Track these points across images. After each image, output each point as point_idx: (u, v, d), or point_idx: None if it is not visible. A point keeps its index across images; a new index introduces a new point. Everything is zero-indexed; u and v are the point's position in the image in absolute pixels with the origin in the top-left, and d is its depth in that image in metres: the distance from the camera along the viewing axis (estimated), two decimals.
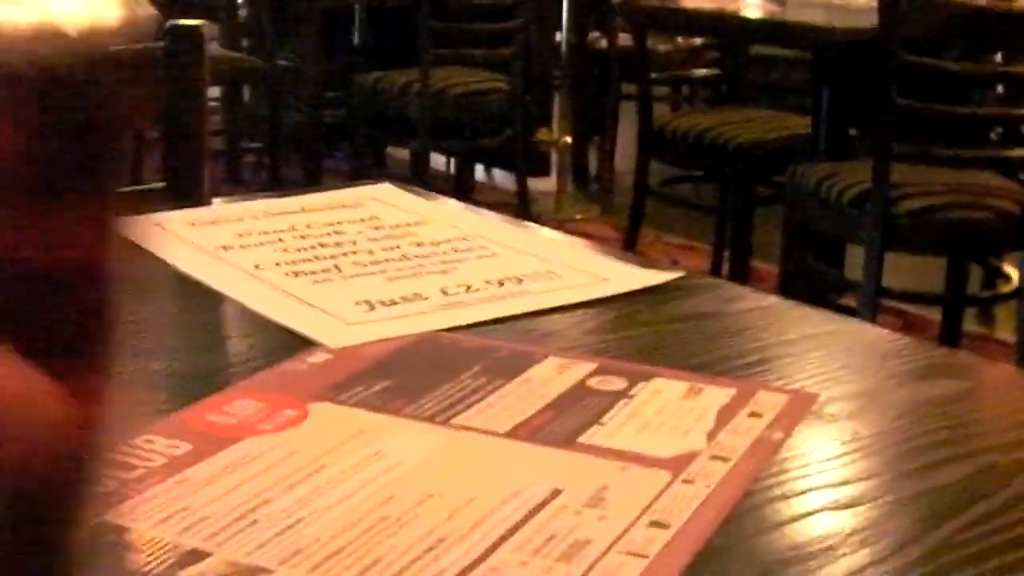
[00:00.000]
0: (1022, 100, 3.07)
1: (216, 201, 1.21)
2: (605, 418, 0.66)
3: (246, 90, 5.48)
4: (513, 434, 0.64)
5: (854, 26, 3.02)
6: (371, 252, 0.97)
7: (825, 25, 3.16)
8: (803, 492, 0.62)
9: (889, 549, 0.56)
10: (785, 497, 0.61)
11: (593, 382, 0.71)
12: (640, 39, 3.65)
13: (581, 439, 0.64)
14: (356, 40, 5.43)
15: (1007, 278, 3.27)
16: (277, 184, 5.16)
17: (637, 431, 0.65)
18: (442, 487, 0.58)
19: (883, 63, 2.66)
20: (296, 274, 0.91)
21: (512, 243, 1.00)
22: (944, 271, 3.33)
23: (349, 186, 1.19)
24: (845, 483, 0.63)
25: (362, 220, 1.06)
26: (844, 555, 0.55)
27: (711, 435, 0.65)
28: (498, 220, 1.09)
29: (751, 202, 3.62)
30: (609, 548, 0.53)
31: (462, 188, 5.08)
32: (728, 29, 3.55)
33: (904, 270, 3.08)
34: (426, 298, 0.86)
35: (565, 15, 4.88)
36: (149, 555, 0.52)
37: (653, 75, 3.76)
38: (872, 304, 2.84)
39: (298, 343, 0.78)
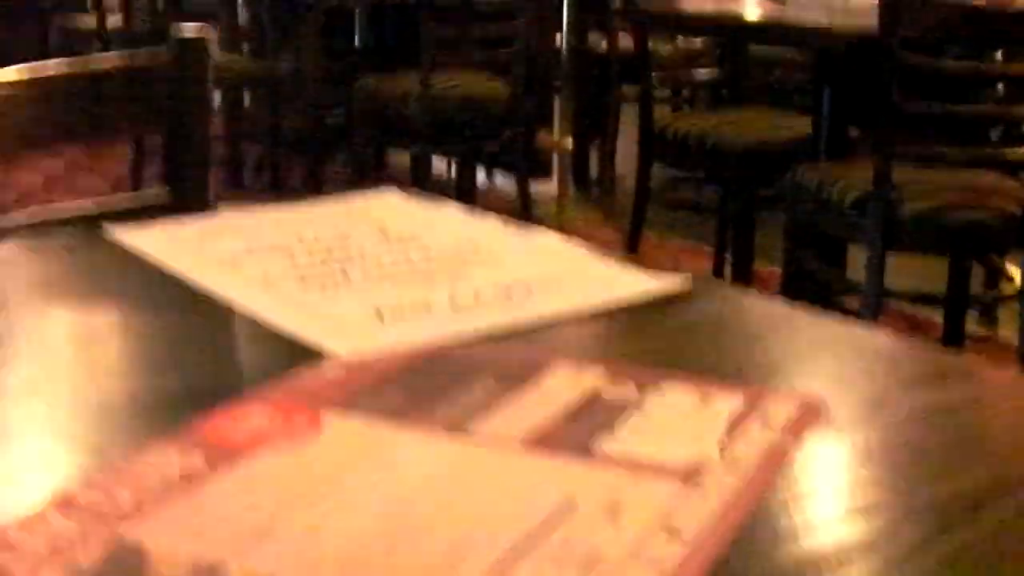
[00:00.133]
0: (1022, 99, 3.07)
1: (221, 208, 1.21)
2: (617, 426, 0.67)
3: (246, 94, 5.49)
4: (526, 444, 0.65)
5: (855, 26, 3.02)
6: (379, 260, 0.97)
7: (826, 25, 3.17)
8: (815, 500, 0.62)
9: (902, 556, 0.57)
10: (797, 505, 0.61)
11: (604, 390, 0.72)
12: (641, 41, 3.66)
13: (594, 448, 0.64)
14: (356, 43, 5.43)
15: (1009, 278, 3.27)
16: (278, 187, 5.17)
17: (649, 440, 0.66)
18: (458, 498, 0.58)
19: (884, 63, 2.66)
20: (305, 284, 0.91)
21: (519, 250, 1.01)
22: (946, 271, 3.34)
23: (353, 191, 1.19)
24: (856, 490, 0.64)
25: (369, 229, 1.06)
26: (858, 563, 0.56)
27: (723, 443, 0.65)
28: (504, 227, 1.10)
29: (752, 204, 3.62)
30: (626, 558, 0.53)
31: (463, 191, 5.08)
32: (730, 30, 3.56)
33: (906, 270, 3.08)
34: (435, 307, 0.87)
35: (565, 17, 4.88)
36: (167, 569, 0.53)
37: (654, 76, 3.76)
38: (875, 305, 2.84)
39: (309, 353, 0.79)
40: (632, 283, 0.92)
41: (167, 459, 0.63)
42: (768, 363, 0.80)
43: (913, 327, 3.68)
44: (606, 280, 0.93)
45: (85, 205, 1.33)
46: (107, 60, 1.28)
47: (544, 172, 5.10)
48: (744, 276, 3.68)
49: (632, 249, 3.88)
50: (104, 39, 5.68)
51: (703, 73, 4.31)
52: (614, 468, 0.62)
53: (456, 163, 5.21)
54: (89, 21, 5.71)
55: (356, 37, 5.43)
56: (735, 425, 0.68)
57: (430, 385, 0.73)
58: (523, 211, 4.69)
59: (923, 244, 2.86)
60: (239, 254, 0.99)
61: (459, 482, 0.61)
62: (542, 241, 1.05)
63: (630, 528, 0.56)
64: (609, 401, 0.70)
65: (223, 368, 0.78)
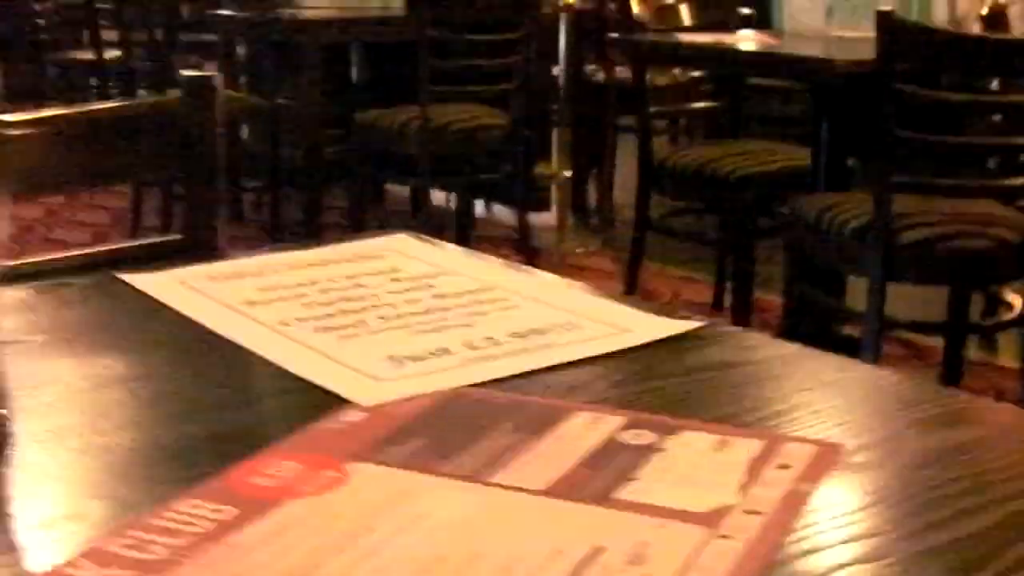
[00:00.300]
0: (1020, 128, 3.09)
1: (229, 251, 1.23)
2: (639, 473, 0.68)
3: (244, 128, 5.51)
4: (551, 491, 0.66)
5: (853, 58, 3.04)
6: (394, 306, 0.98)
7: (824, 57, 3.19)
8: (835, 544, 0.63)
9: None
10: (818, 549, 0.62)
11: (624, 436, 0.73)
12: (639, 74, 3.68)
13: (617, 495, 0.65)
14: (354, 78, 5.46)
15: (1008, 305, 3.28)
16: (277, 221, 5.19)
17: (671, 486, 0.67)
18: (487, 547, 0.59)
19: (882, 94, 2.68)
20: (323, 330, 0.93)
21: (532, 294, 1.02)
22: (945, 298, 3.35)
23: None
24: (875, 534, 0.65)
25: (382, 272, 1.08)
26: None
27: (743, 488, 0.66)
28: (516, 270, 1.11)
29: (752, 234, 3.64)
30: None
31: (462, 223, 5.10)
32: (729, 63, 3.58)
33: (905, 298, 3.09)
34: (452, 352, 0.88)
35: (562, 48, 4.91)
36: None
37: (652, 109, 3.79)
38: (876, 335, 2.85)
39: (330, 400, 0.80)
40: (646, 326, 0.94)
41: (198, 509, 0.64)
42: (782, 405, 0.81)
43: (913, 354, 3.70)
44: (621, 323, 0.94)
45: (97, 250, 1.34)
46: (117, 105, 1.30)
47: (543, 203, 5.12)
48: (744, 306, 3.69)
49: (632, 279, 3.89)
50: (102, 74, 5.71)
51: (700, 104, 4.33)
52: (638, 515, 0.63)
53: (455, 195, 5.22)
54: (85, 56, 5.73)
55: (353, 71, 5.45)
56: (755, 470, 0.69)
57: (451, 433, 0.74)
58: (523, 242, 4.71)
59: (923, 274, 2.87)
60: (253, 299, 1.00)
61: (486, 530, 0.62)
62: (554, 285, 1.06)
63: (658, 575, 0.57)
64: (629, 447, 0.71)
65: (245, 416, 0.79)
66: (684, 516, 0.63)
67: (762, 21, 4.03)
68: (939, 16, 3.42)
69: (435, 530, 0.61)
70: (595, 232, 5.23)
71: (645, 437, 0.73)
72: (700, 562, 0.59)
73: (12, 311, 0.98)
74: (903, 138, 2.71)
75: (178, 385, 0.85)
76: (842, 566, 0.61)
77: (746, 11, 4.12)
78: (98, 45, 5.55)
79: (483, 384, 0.82)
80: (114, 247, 1.35)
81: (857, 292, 3.21)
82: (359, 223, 4.88)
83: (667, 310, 0.98)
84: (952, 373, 3.28)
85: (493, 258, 1.16)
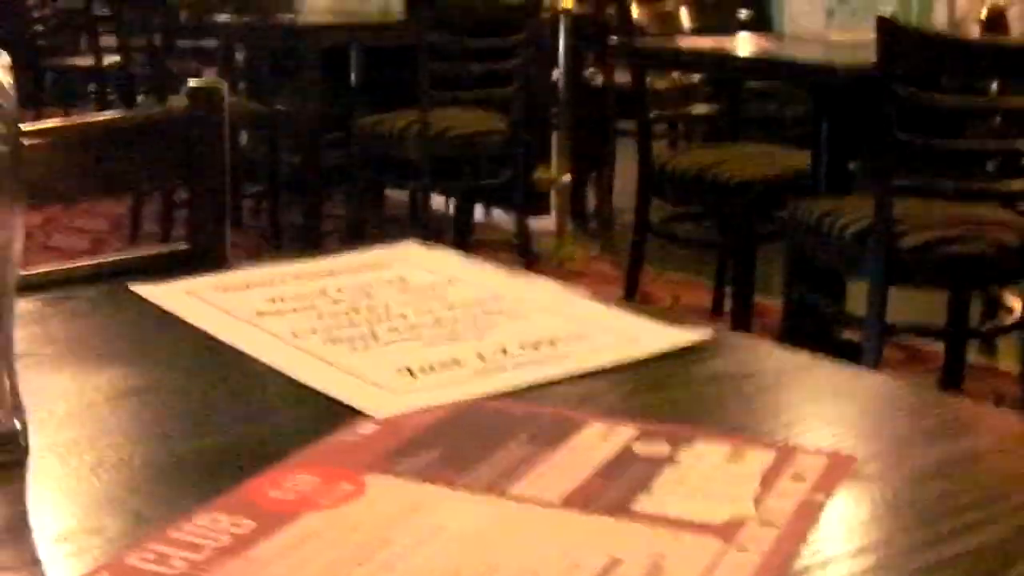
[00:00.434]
0: (1020, 132, 3.10)
1: (236, 260, 1.23)
2: (653, 484, 0.68)
3: (244, 133, 5.51)
4: (567, 503, 0.66)
5: (853, 61, 3.05)
6: (404, 316, 0.99)
7: (825, 61, 3.20)
8: (848, 555, 0.64)
9: None
10: (832, 561, 0.63)
11: (637, 447, 0.73)
12: (639, 78, 3.68)
13: (633, 507, 0.66)
14: (353, 82, 5.46)
15: (1008, 309, 3.29)
16: (276, 226, 5.19)
17: (686, 497, 0.67)
18: (505, 560, 0.60)
19: (883, 98, 2.69)
20: (333, 341, 0.93)
21: (540, 303, 1.03)
22: (944, 303, 3.36)
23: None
24: (887, 545, 0.65)
25: (391, 283, 1.08)
26: None
27: (757, 500, 0.67)
28: (523, 279, 1.11)
29: (752, 238, 3.64)
30: None
31: (461, 227, 5.10)
32: (731, 67, 3.59)
33: (905, 302, 3.10)
34: (464, 364, 0.88)
35: (561, 53, 4.91)
36: None
37: (652, 113, 3.79)
38: (877, 339, 2.86)
39: (343, 412, 0.80)
40: (655, 336, 0.94)
41: (216, 523, 0.64)
42: (793, 415, 0.82)
43: (913, 358, 3.70)
44: (630, 333, 0.95)
45: (103, 260, 1.35)
46: (125, 114, 1.30)
47: (542, 208, 5.12)
48: (744, 310, 3.69)
49: (632, 284, 3.90)
50: (100, 80, 5.72)
51: (700, 108, 4.33)
52: (654, 526, 0.64)
53: (455, 200, 5.23)
54: (84, 62, 5.74)
55: (352, 76, 5.46)
56: (768, 481, 0.69)
57: (465, 444, 0.74)
58: (522, 247, 4.71)
59: (923, 277, 2.88)
60: (263, 310, 1.00)
61: (503, 542, 0.62)
62: (562, 294, 1.07)
63: None
64: (642, 458, 0.72)
65: (259, 428, 0.79)
66: (700, 528, 0.63)
67: (762, 24, 4.04)
68: (939, 19, 3.42)
69: (452, 542, 0.62)
70: (594, 236, 5.24)
71: (658, 448, 0.73)
72: (716, 573, 0.59)
73: (22, 323, 0.98)
74: (903, 141, 2.72)
75: (191, 397, 0.85)
76: (854, 574, 0.61)
77: (745, 14, 4.13)
78: (97, 51, 5.56)
79: (495, 395, 0.83)
80: (121, 257, 1.36)
81: (857, 296, 3.22)
82: (359, 228, 4.89)
83: (674, 318, 0.99)
84: (952, 377, 3.29)
85: (500, 267, 1.16)
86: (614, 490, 0.68)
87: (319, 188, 4.99)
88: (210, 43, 5.40)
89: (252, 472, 0.71)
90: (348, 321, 0.98)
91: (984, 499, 0.69)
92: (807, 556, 0.63)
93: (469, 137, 4.54)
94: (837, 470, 0.71)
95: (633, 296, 3.84)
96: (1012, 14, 3.56)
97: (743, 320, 3.63)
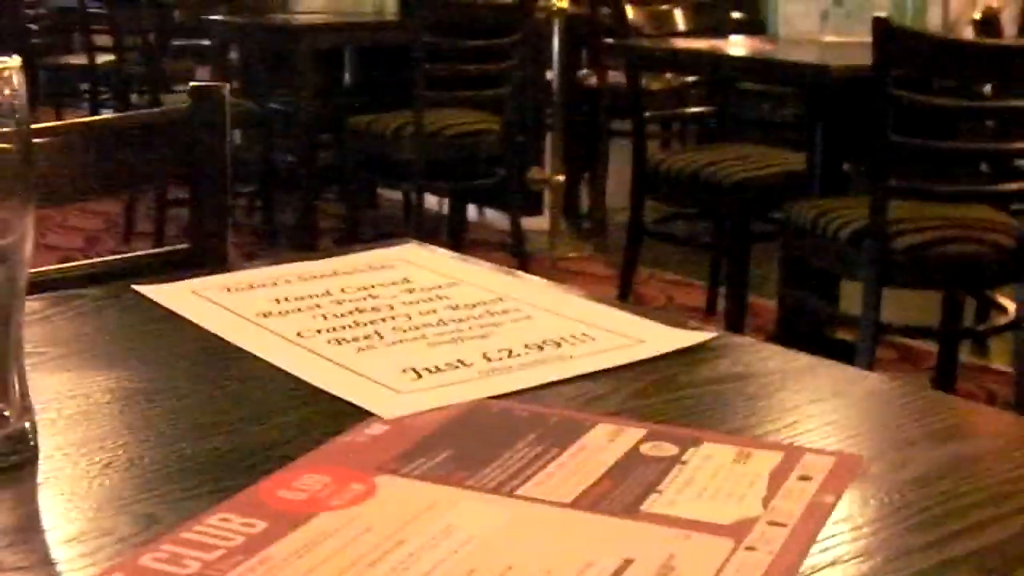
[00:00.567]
0: (1014, 133, 3.11)
1: (236, 261, 1.23)
2: (662, 485, 0.69)
3: (237, 132, 5.51)
4: (577, 504, 0.67)
5: (848, 63, 3.06)
6: (409, 317, 0.99)
7: (820, 63, 3.21)
8: (856, 555, 0.64)
9: None
10: (840, 561, 0.63)
11: (645, 448, 0.74)
12: (634, 79, 3.69)
13: (643, 507, 0.66)
14: (347, 82, 5.47)
15: (1001, 309, 3.30)
16: (270, 225, 5.19)
17: (694, 498, 0.68)
18: (518, 560, 0.60)
19: (878, 100, 2.69)
20: (339, 341, 0.93)
21: (544, 305, 1.03)
22: (936, 303, 3.37)
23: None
24: (895, 545, 0.65)
25: (394, 283, 1.08)
26: None
27: (766, 500, 0.67)
28: (525, 280, 1.12)
29: (747, 239, 3.65)
30: None
31: (455, 228, 5.11)
32: (727, 69, 3.59)
33: (898, 303, 3.11)
34: (469, 364, 0.89)
35: (555, 53, 4.92)
36: None
37: (647, 114, 3.79)
38: (871, 339, 2.87)
39: (351, 412, 0.81)
40: (659, 337, 0.95)
41: (228, 523, 0.64)
42: (797, 416, 0.82)
43: (905, 357, 3.71)
44: (635, 334, 0.95)
45: (104, 260, 1.35)
46: (126, 114, 1.30)
47: (535, 207, 5.13)
48: (738, 310, 3.70)
49: (626, 284, 3.90)
50: (94, 79, 5.71)
51: (695, 108, 4.34)
52: (664, 527, 0.64)
53: (448, 200, 5.23)
54: (78, 60, 5.73)
55: (346, 76, 5.46)
56: (776, 482, 0.70)
57: (474, 445, 0.75)
58: (516, 247, 4.72)
59: (918, 279, 2.89)
60: (268, 310, 1.01)
61: (516, 542, 0.63)
62: (563, 295, 1.07)
63: None
64: (651, 459, 0.72)
65: (268, 428, 0.80)
66: (710, 528, 0.64)
67: (756, 26, 4.05)
68: (933, 21, 3.43)
69: (465, 543, 0.62)
70: (587, 237, 5.24)
71: (666, 449, 0.74)
72: (728, 574, 0.59)
73: (27, 322, 0.98)
74: (898, 143, 2.73)
75: (199, 398, 0.85)
76: (862, 574, 0.62)
77: (740, 16, 4.14)
78: (90, 49, 5.55)
79: (502, 396, 0.83)
80: (122, 257, 1.36)
81: (851, 296, 3.23)
82: (353, 228, 4.89)
83: (675, 320, 0.99)
84: (945, 377, 3.30)
85: (502, 268, 1.17)
86: (624, 491, 0.68)
87: (313, 188, 4.98)
88: (204, 42, 5.40)
89: (262, 472, 0.71)
90: (353, 321, 0.98)
91: (990, 500, 0.70)
92: (815, 556, 0.63)
93: (463, 137, 4.54)
94: (844, 471, 0.72)
95: (627, 296, 3.85)
96: (1005, 16, 3.58)
97: (737, 320, 3.64)
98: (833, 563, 0.63)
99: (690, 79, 4.18)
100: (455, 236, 4.99)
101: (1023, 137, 3.03)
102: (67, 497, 0.70)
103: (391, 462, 0.72)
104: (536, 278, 1.14)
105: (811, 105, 3.50)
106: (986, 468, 0.75)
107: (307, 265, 1.14)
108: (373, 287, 1.07)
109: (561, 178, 4.97)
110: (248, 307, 1.02)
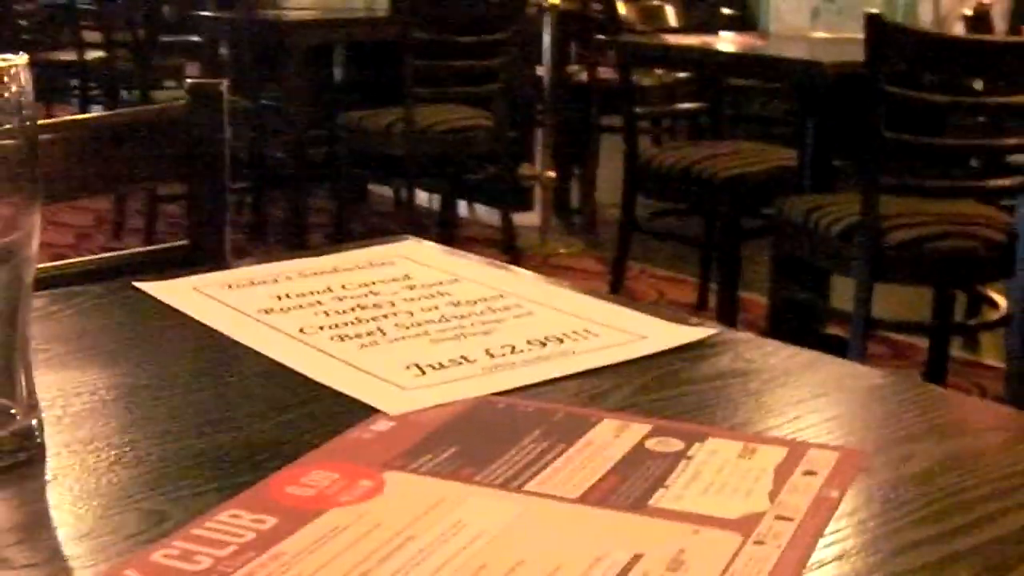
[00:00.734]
0: (1004, 129, 3.12)
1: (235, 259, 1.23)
2: (669, 480, 0.69)
3: (228, 128, 5.49)
4: (585, 499, 0.67)
5: (840, 60, 3.06)
6: (411, 313, 1.00)
7: (811, 59, 3.21)
8: (863, 549, 0.64)
9: None
10: (848, 554, 0.64)
11: (651, 444, 0.74)
12: (626, 75, 3.69)
13: (650, 502, 0.67)
14: (338, 78, 5.46)
15: (992, 304, 3.31)
16: (261, 222, 5.19)
17: (701, 493, 0.68)
18: (528, 555, 0.61)
19: (870, 96, 2.70)
20: (342, 338, 0.94)
21: (545, 301, 1.03)
22: (926, 298, 3.38)
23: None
24: (900, 539, 0.66)
25: (395, 280, 1.09)
26: None
27: (772, 495, 0.68)
28: (527, 277, 1.12)
29: (738, 235, 3.66)
30: None
31: (445, 224, 5.11)
32: (720, 65, 3.60)
33: (889, 298, 3.12)
34: (473, 361, 0.89)
35: (546, 49, 4.92)
36: None
37: (638, 110, 3.80)
38: (863, 334, 2.88)
39: (355, 408, 0.81)
40: (661, 333, 0.95)
41: (238, 519, 0.65)
42: (800, 410, 0.83)
43: (896, 353, 3.73)
44: (637, 330, 0.95)
45: (104, 256, 1.35)
46: (124, 111, 1.30)
47: (525, 203, 5.13)
48: (729, 306, 3.71)
49: (617, 280, 3.91)
50: (83, 75, 5.70)
51: (686, 104, 4.35)
52: (673, 521, 0.64)
53: (439, 195, 5.24)
54: (67, 56, 5.71)
55: (337, 72, 5.46)
56: (781, 476, 0.70)
57: (480, 441, 0.75)
58: (506, 243, 4.72)
59: (910, 274, 2.90)
60: (270, 307, 1.01)
61: (526, 538, 0.63)
62: (564, 291, 1.08)
63: None
64: (657, 455, 0.73)
65: (273, 425, 0.80)
66: (718, 522, 0.64)
67: (747, 22, 4.06)
68: (924, 17, 3.44)
69: (475, 538, 0.62)
70: (578, 232, 5.25)
71: (672, 444, 0.74)
72: (737, 568, 0.60)
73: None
74: (890, 139, 2.74)
75: (204, 394, 0.86)
76: (872, 571, 0.62)
77: (730, 12, 4.14)
78: (79, 46, 5.54)
79: (505, 392, 0.83)
80: (120, 254, 1.36)
81: (841, 291, 3.24)
82: (343, 224, 4.89)
83: (678, 316, 1.00)
84: (936, 373, 3.31)
85: (501, 264, 1.17)
86: (631, 486, 0.68)
87: (303, 184, 4.98)
88: (194, 39, 5.39)
89: (270, 469, 0.71)
90: (355, 318, 0.98)
91: (993, 494, 0.70)
92: (822, 550, 0.64)
93: (454, 133, 4.54)
94: (848, 465, 0.72)
95: (618, 292, 3.86)
96: (995, 11, 3.59)
97: (728, 316, 3.64)
98: (840, 557, 0.63)
99: (681, 75, 4.18)
100: (446, 232, 4.99)
101: (1013, 133, 3.04)
102: (76, 494, 0.70)
103: (398, 458, 0.72)
104: (533, 274, 1.14)
105: (802, 101, 3.51)
106: (989, 463, 0.75)
107: (307, 262, 1.14)
108: (374, 284, 1.07)
109: (552, 174, 4.98)
110: (250, 304, 1.02)
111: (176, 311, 1.01)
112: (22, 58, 0.73)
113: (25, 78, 0.73)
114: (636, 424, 0.77)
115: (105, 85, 5.52)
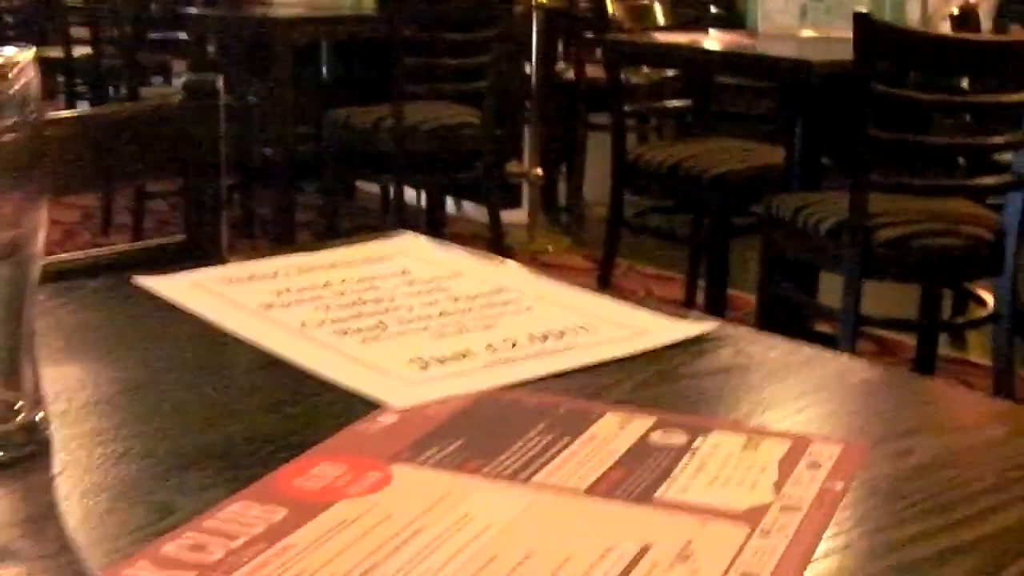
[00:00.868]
0: (990, 128, 3.13)
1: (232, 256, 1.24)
2: (674, 473, 0.70)
3: None
4: (592, 491, 0.67)
5: (828, 58, 3.07)
6: (411, 308, 1.00)
7: (801, 58, 3.22)
8: (868, 541, 0.65)
9: None
10: (854, 545, 0.64)
11: (655, 437, 0.75)
12: (614, 73, 3.70)
13: (657, 495, 0.67)
14: (326, 76, 5.46)
15: (979, 302, 3.33)
16: (249, 219, 5.18)
17: (707, 485, 0.69)
18: (537, 547, 0.61)
19: (858, 95, 2.71)
20: (344, 333, 0.94)
21: (543, 296, 1.04)
22: (913, 295, 3.40)
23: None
24: (904, 530, 0.66)
25: (394, 275, 1.09)
26: None
27: (777, 487, 0.68)
28: (525, 273, 1.13)
29: (727, 232, 3.67)
30: None
31: (433, 221, 5.11)
32: (709, 63, 3.61)
33: (876, 295, 3.13)
34: (475, 355, 0.89)
35: (534, 47, 4.93)
36: None
37: (627, 107, 3.81)
38: (851, 332, 2.89)
39: (359, 402, 0.81)
40: (661, 328, 0.96)
41: (248, 511, 0.65)
42: (802, 404, 0.84)
43: (884, 350, 3.74)
44: (637, 325, 0.96)
45: (100, 252, 1.35)
46: (119, 107, 1.30)
47: (513, 201, 5.14)
48: (717, 303, 3.72)
49: (605, 278, 3.91)
50: (70, 71, 5.69)
51: (674, 102, 4.35)
52: (680, 513, 0.65)
53: (427, 193, 5.24)
54: (53, 53, 5.69)
55: (325, 70, 5.46)
56: (785, 469, 0.71)
57: (486, 435, 0.75)
58: (496, 241, 4.72)
59: (898, 272, 2.91)
60: (270, 302, 1.01)
61: (534, 529, 0.63)
62: (562, 287, 1.08)
63: (706, 571, 0.59)
64: (661, 448, 0.73)
65: (279, 418, 0.80)
66: (724, 514, 0.65)
67: (735, 20, 4.07)
68: (912, 16, 3.46)
69: (484, 530, 0.63)
70: (565, 230, 5.25)
71: (676, 437, 0.75)
72: (745, 559, 0.60)
73: None
74: (878, 138, 2.75)
75: (208, 388, 0.86)
76: (877, 562, 0.63)
77: (718, 10, 4.15)
78: (67, 42, 5.53)
79: (508, 386, 0.84)
80: (116, 249, 1.36)
81: (828, 288, 3.25)
82: (331, 221, 4.88)
83: (677, 312, 1.00)
84: (924, 370, 3.33)
85: (499, 259, 1.18)
86: (636, 478, 0.69)
87: (291, 181, 4.98)
88: (182, 36, 5.38)
89: (277, 461, 0.72)
90: (356, 312, 0.99)
91: (996, 486, 0.71)
92: (827, 541, 0.64)
93: (442, 131, 4.54)
94: (851, 458, 0.73)
95: (606, 289, 3.85)
96: (982, 11, 3.60)
97: (716, 313, 3.65)
98: (846, 547, 0.64)
99: (670, 73, 4.19)
100: (434, 230, 4.99)
101: (1000, 131, 3.05)
102: (84, 487, 0.71)
103: (405, 451, 0.73)
104: (535, 272, 1.14)
105: (790, 99, 3.52)
106: (990, 456, 0.76)
107: (305, 257, 1.14)
108: (373, 279, 1.08)
109: (539, 171, 4.98)
110: (250, 299, 1.02)
111: (176, 306, 1.01)
112: (29, 52, 0.73)
113: (32, 72, 0.73)
114: (639, 418, 0.77)
115: (92, 82, 5.50)
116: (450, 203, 5.42)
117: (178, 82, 5.99)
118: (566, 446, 0.73)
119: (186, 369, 0.90)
